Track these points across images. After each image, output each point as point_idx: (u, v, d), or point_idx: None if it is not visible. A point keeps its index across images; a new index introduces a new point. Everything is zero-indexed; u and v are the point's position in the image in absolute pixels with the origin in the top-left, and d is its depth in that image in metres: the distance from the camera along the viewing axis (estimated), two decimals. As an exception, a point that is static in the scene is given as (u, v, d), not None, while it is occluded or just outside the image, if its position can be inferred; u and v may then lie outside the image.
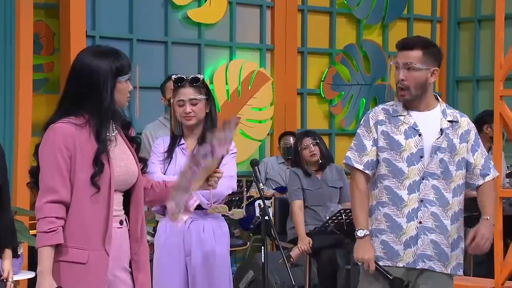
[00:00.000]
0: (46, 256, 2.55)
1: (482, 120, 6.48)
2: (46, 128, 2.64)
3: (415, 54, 3.20)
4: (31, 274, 5.10)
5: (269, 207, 5.54)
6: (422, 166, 3.19)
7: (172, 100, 3.66)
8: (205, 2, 6.79)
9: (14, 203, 5.40)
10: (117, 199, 2.68)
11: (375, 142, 3.23)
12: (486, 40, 7.93)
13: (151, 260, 3.31)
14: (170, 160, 3.62)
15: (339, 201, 6.08)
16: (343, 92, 7.64)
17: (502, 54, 4.75)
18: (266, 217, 4.22)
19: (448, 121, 3.25)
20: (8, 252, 3.14)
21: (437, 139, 3.20)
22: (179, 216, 2.77)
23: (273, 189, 6.54)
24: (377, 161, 3.24)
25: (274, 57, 7.16)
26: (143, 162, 2.81)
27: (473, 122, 3.40)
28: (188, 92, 3.58)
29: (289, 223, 5.56)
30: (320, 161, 5.44)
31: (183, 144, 3.65)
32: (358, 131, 3.30)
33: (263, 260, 4.23)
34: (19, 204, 5.40)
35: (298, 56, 7.36)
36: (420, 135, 3.20)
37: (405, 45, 3.23)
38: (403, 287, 3.15)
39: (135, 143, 2.78)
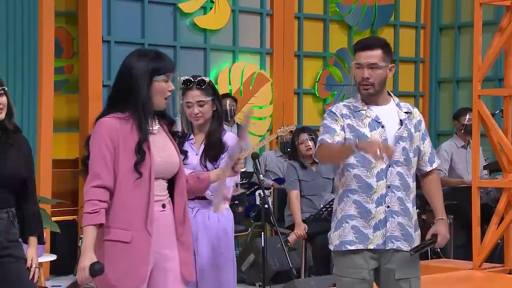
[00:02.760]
0: (89, 234, 2.62)
1: (454, 117, 6.48)
2: (96, 122, 2.72)
3: (376, 54, 3.17)
4: (53, 257, 5.11)
5: (269, 196, 5.55)
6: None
7: (181, 102, 3.66)
8: (211, 10, 6.78)
9: (38, 193, 5.32)
10: (160, 186, 2.73)
11: (343, 128, 3.19)
12: (466, 44, 7.92)
13: None
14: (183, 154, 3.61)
15: (332, 190, 6.08)
16: (336, 92, 7.64)
17: (480, 57, 4.75)
18: (266, 206, 4.23)
19: (405, 112, 3.24)
20: (33, 240, 3.14)
21: (398, 129, 3.20)
22: (221, 206, 3.02)
23: (272, 180, 6.55)
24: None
25: (273, 60, 7.15)
26: (184, 154, 2.90)
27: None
28: (195, 95, 3.58)
29: (286, 211, 5.56)
30: (315, 154, 5.43)
31: (192, 139, 3.66)
32: (324, 122, 3.23)
33: (263, 244, 4.23)
34: (42, 194, 5.40)
35: (295, 59, 7.36)
36: (383, 126, 3.20)
37: (367, 46, 3.19)
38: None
39: (176, 137, 2.84)
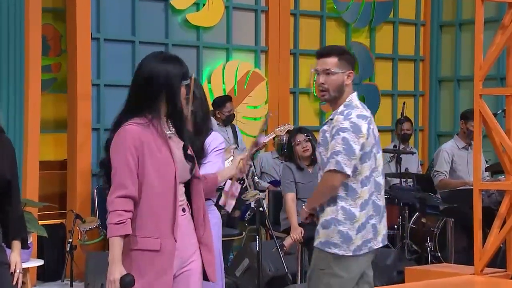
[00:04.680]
0: (116, 246, 2.65)
1: (462, 117, 6.51)
2: (116, 127, 2.75)
3: (331, 61, 3.40)
4: (39, 262, 5.10)
5: (264, 199, 5.55)
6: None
7: None
8: (203, 6, 6.77)
9: (24, 195, 5.39)
10: (180, 190, 2.79)
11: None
12: (467, 42, 7.93)
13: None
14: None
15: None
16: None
17: (482, 56, 4.76)
18: (261, 209, 4.23)
19: (330, 119, 3.43)
20: (16, 244, 3.12)
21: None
22: (228, 201, 3.11)
23: (268, 182, 6.54)
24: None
25: (268, 58, 7.15)
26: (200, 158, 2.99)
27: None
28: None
29: (282, 214, 5.56)
30: (312, 156, 5.43)
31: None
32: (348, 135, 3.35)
33: (258, 248, 4.23)
34: (28, 196, 5.39)
35: (291, 57, 7.36)
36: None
37: (322, 54, 3.44)
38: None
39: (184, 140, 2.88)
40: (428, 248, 6.00)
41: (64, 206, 6.10)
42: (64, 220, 6.10)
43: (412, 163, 7.15)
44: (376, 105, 7.80)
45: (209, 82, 6.83)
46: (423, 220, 6.07)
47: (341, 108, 3.40)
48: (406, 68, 8.19)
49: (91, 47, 6.09)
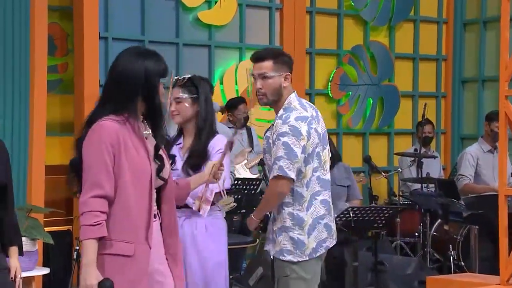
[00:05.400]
0: (91, 249, 2.59)
1: (486, 118, 6.48)
2: (89, 125, 2.70)
3: (266, 64, 3.49)
4: (46, 270, 5.13)
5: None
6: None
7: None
8: (215, 4, 6.79)
9: (29, 201, 5.42)
10: (154, 194, 2.74)
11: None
12: (492, 41, 7.90)
13: None
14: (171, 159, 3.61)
15: (346, 199, 6.08)
16: (350, 92, 7.63)
17: (507, 55, 4.74)
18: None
19: (272, 124, 3.51)
20: (14, 250, 3.14)
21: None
22: (203, 207, 3.10)
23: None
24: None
25: (283, 58, 7.15)
26: (171, 159, 2.89)
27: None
28: (175, 92, 3.60)
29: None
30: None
31: (180, 143, 3.65)
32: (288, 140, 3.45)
33: (272, 256, 4.22)
34: (34, 202, 5.42)
35: (306, 57, 7.36)
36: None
37: (257, 58, 3.54)
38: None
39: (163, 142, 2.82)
40: (451, 257, 5.98)
41: (71, 212, 6.12)
42: (71, 226, 6.12)
43: (434, 168, 7.13)
44: (396, 107, 7.79)
45: (221, 83, 6.84)
46: (446, 227, 6.05)
47: (281, 112, 3.50)
48: (428, 68, 8.17)
49: (99, 46, 6.12)
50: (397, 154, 7.35)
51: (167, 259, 2.76)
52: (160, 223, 2.76)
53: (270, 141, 3.44)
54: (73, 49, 6.23)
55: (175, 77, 3.65)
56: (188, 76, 3.62)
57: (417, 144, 7.23)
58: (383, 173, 6.71)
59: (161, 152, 2.77)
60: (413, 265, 5.61)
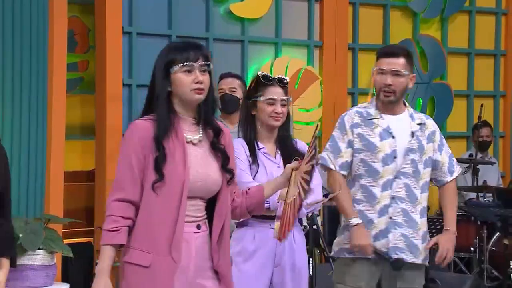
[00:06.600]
0: (104, 255, 2.64)
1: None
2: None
3: (400, 62, 3.78)
4: (64, 286, 5.16)
5: (318, 215, 5.51)
6: (395, 166, 3.75)
7: (259, 99, 3.67)
8: (249, -5, 6.80)
9: (47, 211, 5.47)
10: (195, 206, 2.74)
11: (351, 144, 3.78)
12: (556, 34, 7.79)
13: None
14: (257, 167, 3.61)
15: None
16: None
17: None
18: (315, 226, 4.20)
19: (417, 124, 3.81)
20: (5, 262, 3.15)
21: (409, 141, 3.77)
22: (284, 232, 2.76)
23: (323, 196, 6.50)
24: (352, 162, 3.80)
25: (323, 54, 7.13)
26: (230, 173, 2.82)
27: None
28: (279, 92, 3.67)
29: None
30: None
31: (263, 148, 3.67)
32: (334, 133, 3.84)
33: (311, 272, 4.20)
34: (52, 212, 5.46)
35: (349, 52, 7.32)
36: (393, 137, 3.76)
37: (391, 53, 3.82)
38: (401, 266, 3.67)
39: (220, 152, 2.80)
40: (511, 275, 5.90)
41: (91, 222, 6.16)
42: (92, 238, 6.17)
43: (492, 175, 7.04)
44: (449, 108, 7.71)
45: (256, 81, 6.84)
46: (505, 241, 5.98)
47: (412, 110, 3.87)
48: (484, 64, 8.07)
49: (122, 42, 6.16)
50: (450, 160, 7.28)
51: (218, 274, 2.76)
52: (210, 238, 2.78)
53: (422, 138, 3.78)
54: (95, 45, 6.28)
55: (274, 76, 3.72)
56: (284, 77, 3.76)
57: (472, 148, 7.14)
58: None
59: (230, 166, 2.77)
60: (469, 283, 5.54)
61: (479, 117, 6.79)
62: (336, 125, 3.88)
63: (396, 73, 3.76)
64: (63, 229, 5.63)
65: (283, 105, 3.67)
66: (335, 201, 3.81)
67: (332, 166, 3.77)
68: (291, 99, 3.74)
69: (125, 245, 2.66)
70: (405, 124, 3.80)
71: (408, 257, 3.69)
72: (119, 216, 2.64)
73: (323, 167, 3.86)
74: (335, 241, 3.83)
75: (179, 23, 6.49)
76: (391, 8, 7.56)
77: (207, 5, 6.64)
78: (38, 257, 4.80)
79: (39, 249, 4.76)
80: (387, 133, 3.77)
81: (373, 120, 3.80)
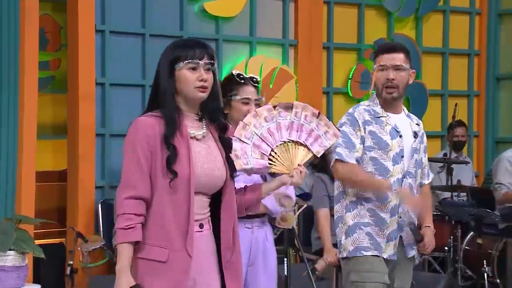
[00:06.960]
0: (123, 254, 2.67)
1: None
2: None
3: (400, 56, 3.79)
4: (36, 287, 5.12)
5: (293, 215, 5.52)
6: (403, 166, 3.79)
7: (233, 98, 3.70)
8: (223, -7, 6.79)
9: (19, 211, 5.43)
10: (200, 202, 2.77)
11: (362, 140, 3.76)
12: (530, 34, 7.87)
13: None
14: None
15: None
16: (373, 91, 7.60)
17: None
18: (290, 227, 4.21)
19: (416, 124, 3.87)
20: None
21: (414, 141, 3.83)
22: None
23: (296, 196, 6.51)
24: (362, 159, 3.79)
25: (298, 53, 7.14)
26: (233, 168, 2.85)
27: None
28: (252, 92, 3.72)
29: (314, 233, 5.53)
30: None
31: None
32: (344, 129, 3.78)
33: (286, 272, 4.21)
34: (23, 212, 5.42)
35: (324, 52, 7.34)
36: (401, 136, 3.80)
37: (390, 48, 3.83)
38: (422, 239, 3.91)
39: (226, 145, 2.85)
40: (485, 274, 5.96)
41: (63, 223, 6.13)
42: (64, 239, 6.13)
43: (466, 174, 7.09)
44: (423, 107, 7.75)
45: (230, 80, 6.83)
46: (479, 241, 6.02)
47: (405, 110, 3.92)
48: (459, 64, 8.13)
49: (95, 40, 6.13)
50: (425, 159, 7.32)
51: (224, 274, 2.79)
52: (220, 234, 2.81)
53: (421, 139, 3.86)
54: (67, 43, 6.24)
55: (247, 75, 3.76)
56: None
57: (447, 148, 7.19)
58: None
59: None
60: (443, 282, 5.58)
61: (454, 117, 6.84)
62: (344, 121, 3.84)
63: (397, 68, 3.76)
64: (34, 230, 5.59)
65: (256, 105, 3.71)
66: (359, 186, 3.76)
67: (349, 160, 3.74)
68: (263, 98, 3.76)
69: (140, 242, 2.69)
70: (407, 124, 3.85)
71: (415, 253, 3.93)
72: (132, 214, 2.67)
73: (338, 162, 3.79)
74: (345, 241, 3.80)
75: (152, 22, 6.46)
76: (365, 7, 7.59)
77: (181, 3, 6.63)
78: (9, 258, 4.76)
79: (10, 250, 4.72)
80: (396, 132, 3.79)
81: (381, 118, 3.81)
